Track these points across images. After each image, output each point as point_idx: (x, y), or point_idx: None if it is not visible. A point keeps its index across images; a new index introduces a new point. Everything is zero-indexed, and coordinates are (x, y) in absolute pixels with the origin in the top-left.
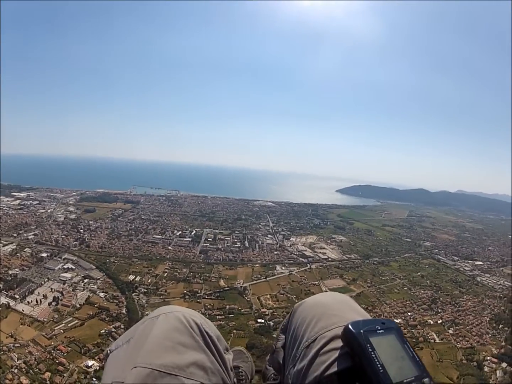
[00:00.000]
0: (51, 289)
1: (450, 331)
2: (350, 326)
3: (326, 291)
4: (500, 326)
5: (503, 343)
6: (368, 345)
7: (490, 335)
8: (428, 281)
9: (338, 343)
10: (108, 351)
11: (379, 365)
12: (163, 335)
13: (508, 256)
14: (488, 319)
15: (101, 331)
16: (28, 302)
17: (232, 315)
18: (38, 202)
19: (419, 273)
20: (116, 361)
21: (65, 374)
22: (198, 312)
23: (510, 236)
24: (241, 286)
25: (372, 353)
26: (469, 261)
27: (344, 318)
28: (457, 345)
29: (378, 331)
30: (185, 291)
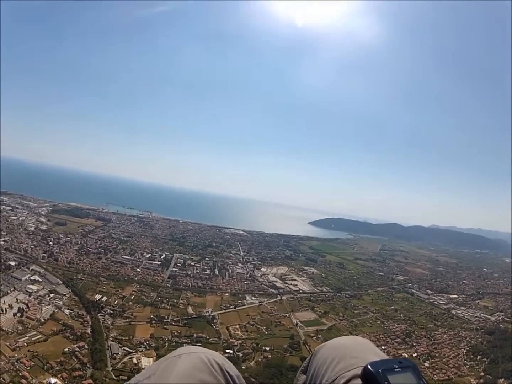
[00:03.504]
0: (17, 299)
1: (426, 364)
2: (369, 366)
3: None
4: (478, 357)
5: (481, 374)
6: (386, 383)
7: (468, 366)
8: (401, 315)
9: (357, 382)
10: None
11: None
12: (185, 373)
13: (484, 289)
14: (465, 351)
15: (65, 349)
16: None
17: (199, 344)
18: (11, 208)
19: (392, 307)
20: None
21: None
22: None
23: (485, 269)
24: (209, 315)
25: None
26: (444, 295)
27: (364, 359)
28: (434, 378)
29: (395, 370)
30: (152, 316)
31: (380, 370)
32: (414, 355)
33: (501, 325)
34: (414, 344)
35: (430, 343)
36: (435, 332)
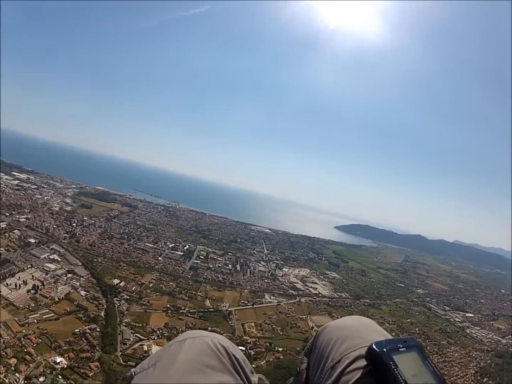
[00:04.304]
0: (33, 276)
1: None
2: (373, 346)
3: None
4: (485, 379)
5: None
6: (391, 363)
7: None
8: (417, 329)
9: (362, 362)
10: (133, 373)
11: (401, 381)
12: (190, 358)
13: (499, 310)
14: (473, 371)
15: (75, 330)
16: (7, 284)
17: None
18: (36, 187)
19: (408, 320)
20: (142, 383)
21: (31, 365)
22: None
23: (503, 291)
24: (226, 310)
25: (395, 370)
26: (460, 312)
27: (368, 339)
28: None
29: (400, 349)
30: (168, 305)
31: (385, 350)
32: None
33: (510, 349)
34: None
35: (441, 360)
36: (447, 349)
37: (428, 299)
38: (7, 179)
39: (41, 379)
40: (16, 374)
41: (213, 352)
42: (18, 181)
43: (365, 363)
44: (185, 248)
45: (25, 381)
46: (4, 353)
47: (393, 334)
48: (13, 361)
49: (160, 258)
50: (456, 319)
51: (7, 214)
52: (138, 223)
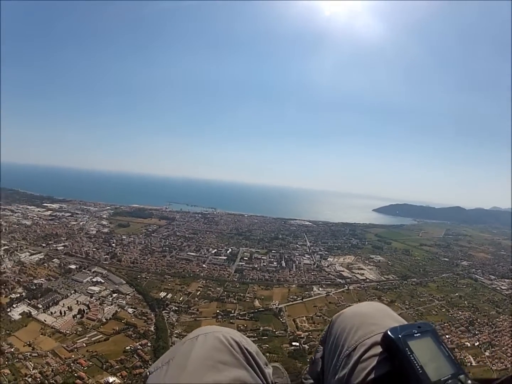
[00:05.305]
0: (77, 301)
1: (487, 353)
2: (389, 332)
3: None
4: None
5: None
6: (407, 349)
7: None
8: (466, 302)
9: (378, 349)
10: (147, 373)
11: (418, 367)
12: (203, 355)
13: None
14: None
15: (126, 348)
16: (51, 312)
17: (265, 337)
18: (70, 214)
19: (457, 294)
20: (157, 382)
21: None
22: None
23: None
24: (276, 307)
25: (411, 355)
26: (506, 280)
27: (382, 326)
28: (493, 368)
29: (415, 335)
30: (218, 311)
31: (400, 336)
32: (476, 344)
33: None
34: (476, 332)
35: (491, 331)
36: (497, 319)
37: (473, 270)
38: (39, 211)
39: None
40: None
41: (225, 347)
42: (51, 211)
43: (381, 349)
44: (228, 252)
45: None
46: (53, 381)
47: (443, 310)
48: None
49: (204, 265)
50: (503, 287)
51: (43, 244)
52: (177, 234)
